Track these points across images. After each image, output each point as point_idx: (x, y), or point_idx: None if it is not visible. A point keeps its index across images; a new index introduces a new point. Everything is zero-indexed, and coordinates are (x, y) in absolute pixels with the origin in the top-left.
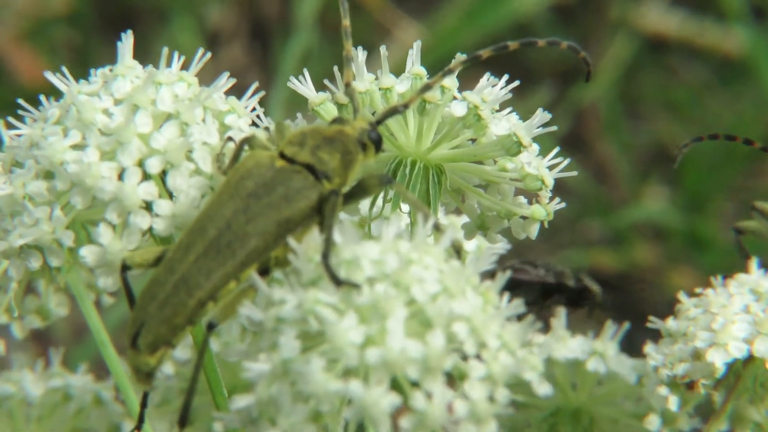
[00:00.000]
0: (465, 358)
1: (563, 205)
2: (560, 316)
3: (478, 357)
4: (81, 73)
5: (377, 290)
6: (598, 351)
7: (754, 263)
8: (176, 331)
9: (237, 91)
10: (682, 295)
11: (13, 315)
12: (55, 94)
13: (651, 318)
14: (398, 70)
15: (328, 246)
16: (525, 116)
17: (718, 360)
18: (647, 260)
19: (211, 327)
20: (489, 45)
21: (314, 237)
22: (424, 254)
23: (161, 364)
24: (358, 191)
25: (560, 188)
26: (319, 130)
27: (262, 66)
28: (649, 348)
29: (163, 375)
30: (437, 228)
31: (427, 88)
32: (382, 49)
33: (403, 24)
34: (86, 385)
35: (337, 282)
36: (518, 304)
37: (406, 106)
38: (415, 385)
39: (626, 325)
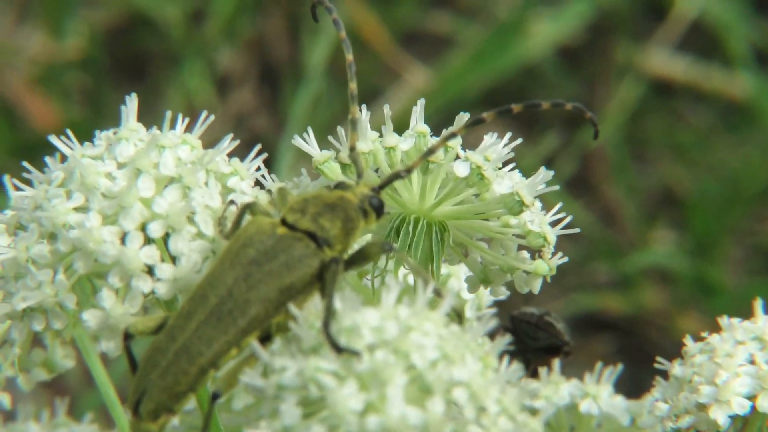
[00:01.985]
0: (465, 422)
1: (566, 259)
2: (555, 364)
3: (477, 422)
4: (93, 117)
5: (377, 357)
6: (590, 393)
7: (758, 307)
8: (178, 398)
9: (247, 135)
10: (688, 340)
11: (18, 369)
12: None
13: (659, 359)
14: (406, 115)
15: (329, 314)
16: (532, 160)
17: (720, 417)
18: (655, 304)
19: (215, 397)
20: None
21: (315, 303)
22: (423, 320)
23: (163, 431)
24: (359, 258)
25: (567, 232)
26: (320, 197)
27: (271, 109)
28: (656, 393)
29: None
30: (437, 293)
31: (430, 152)
32: (386, 109)
33: (411, 67)
34: None
35: (338, 350)
36: (517, 368)
37: (409, 170)
38: None
39: (620, 367)
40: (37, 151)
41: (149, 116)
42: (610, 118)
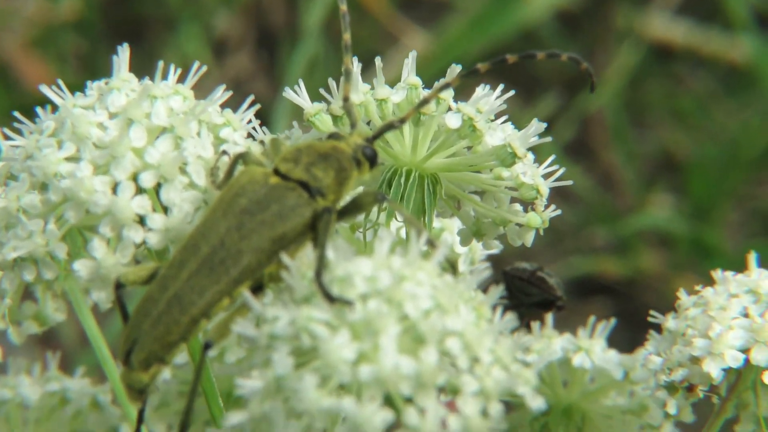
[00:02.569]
0: (458, 373)
1: (559, 212)
2: (547, 318)
3: (471, 372)
4: (88, 79)
5: (370, 307)
6: (583, 347)
7: (752, 260)
8: (169, 348)
9: (242, 99)
10: (682, 293)
11: (9, 321)
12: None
13: (652, 313)
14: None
15: (321, 263)
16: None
17: (714, 370)
18: (652, 267)
19: (207, 347)
20: (495, 53)
21: (307, 253)
22: (417, 270)
23: (154, 381)
24: (352, 208)
25: (565, 196)
26: (313, 147)
27: (268, 74)
28: (649, 346)
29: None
30: (431, 244)
31: (423, 102)
32: (377, 60)
33: (410, 32)
34: (83, 388)
35: (330, 299)
36: (511, 319)
37: (402, 120)
38: (408, 401)
39: (613, 321)
40: (30, 112)
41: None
42: (610, 82)
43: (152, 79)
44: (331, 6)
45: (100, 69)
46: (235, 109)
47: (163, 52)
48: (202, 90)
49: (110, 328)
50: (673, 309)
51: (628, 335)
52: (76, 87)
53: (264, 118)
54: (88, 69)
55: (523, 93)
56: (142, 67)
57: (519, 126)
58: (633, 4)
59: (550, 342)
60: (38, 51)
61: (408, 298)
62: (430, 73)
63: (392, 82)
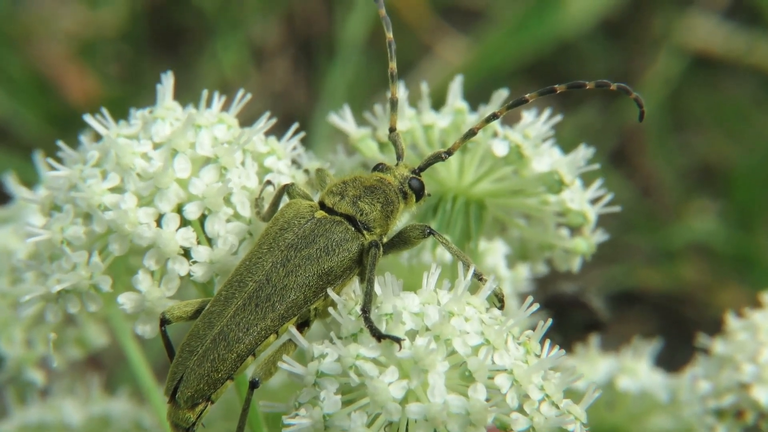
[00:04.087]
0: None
1: (606, 237)
2: (591, 340)
3: (520, 409)
4: (130, 91)
5: (418, 344)
6: (628, 369)
7: None
8: (216, 385)
9: (282, 110)
10: (729, 317)
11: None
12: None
13: (699, 336)
14: (441, 90)
15: (369, 299)
16: (571, 132)
17: (763, 397)
18: (695, 277)
19: (254, 385)
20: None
21: (354, 288)
22: (465, 305)
23: (201, 419)
24: (399, 242)
25: (608, 211)
26: (360, 179)
27: (308, 83)
28: (697, 370)
29: None
30: (478, 278)
31: (471, 134)
32: (423, 86)
33: (445, 41)
34: (126, 411)
35: (378, 336)
36: (559, 354)
37: (449, 153)
38: None
39: (659, 341)
40: (73, 123)
41: (186, 91)
42: (651, 90)
43: (195, 99)
44: (371, 17)
45: (142, 78)
46: (277, 122)
47: (203, 62)
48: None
49: (153, 349)
50: (717, 322)
51: (671, 348)
52: (118, 98)
53: (304, 127)
54: (130, 78)
55: (561, 97)
56: (182, 78)
57: (560, 135)
58: (673, 9)
59: (594, 364)
60: (81, 61)
61: (456, 335)
62: (467, 82)
63: (431, 94)
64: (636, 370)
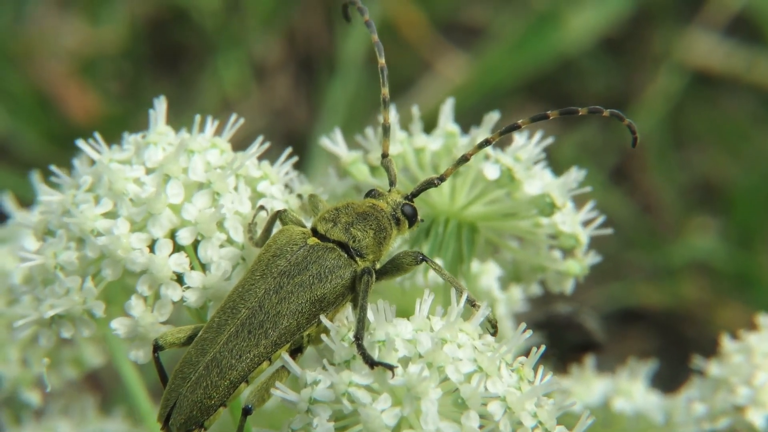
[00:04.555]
0: None
1: (599, 259)
2: (587, 361)
3: None
4: (130, 109)
5: (411, 371)
6: (623, 390)
7: None
8: (208, 412)
9: (282, 127)
10: (725, 338)
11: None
12: (105, 129)
13: (695, 358)
14: (440, 109)
15: (362, 326)
16: (571, 148)
17: (757, 419)
18: (695, 295)
19: (247, 412)
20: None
21: (347, 315)
22: (457, 332)
23: None
24: (392, 269)
25: (605, 221)
26: (352, 206)
27: (308, 100)
28: (692, 392)
29: None
30: (472, 304)
31: (464, 160)
32: (414, 110)
33: (445, 58)
34: None
35: (371, 364)
36: (553, 381)
37: (441, 179)
38: None
39: (653, 363)
40: (74, 141)
41: (186, 108)
42: (650, 108)
43: (192, 115)
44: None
45: (143, 95)
46: (278, 140)
47: (203, 77)
48: (243, 122)
49: (149, 370)
50: (717, 341)
51: (670, 366)
52: (118, 116)
53: (303, 145)
54: (130, 96)
55: (563, 117)
56: (183, 96)
57: (559, 150)
58: (673, 26)
59: (589, 385)
60: (81, 79)
61: (449, 362)
62: (467, 99)
63: (430, 112)
64: (631, 391)
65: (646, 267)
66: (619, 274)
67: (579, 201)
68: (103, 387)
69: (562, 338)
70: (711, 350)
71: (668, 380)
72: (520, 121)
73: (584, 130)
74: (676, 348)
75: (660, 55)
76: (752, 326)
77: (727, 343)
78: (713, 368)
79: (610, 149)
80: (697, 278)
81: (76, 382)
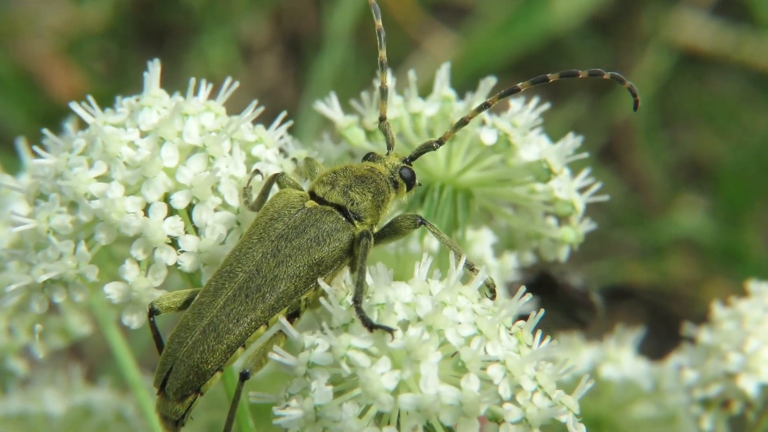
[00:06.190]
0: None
1: (594, 226)
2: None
3: (513, 400)
4: (116, 88)
5: (411, 334)
6: (612, 357)
7: None
8: (205, 377)
9: (271, 105)
10: (716, 306)
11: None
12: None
13: (686, 325)
14: (428, 86)
15: (360, 290)
16: (560, 126)
17: (750, 387)
18: (682, 272)
19: (244, 377)
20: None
21: (345, 278)
22: (457, 296)
23: (190, 412)
24: (390, 232)
25: (596, 200)
26: (350, 169)
27: (296, 80)
28: (683, 359)
29: None
30: (470, 268)
31: (462, 123)
32: (411, 74)
33: (434, 37)
34: (108, 401)
35: (370, 327)
36: (553, 345)
37: (440, 142)
38: (449, 429)
39: (641, 329)
40: (59, 120)
41: (172, 87)
42: (639, 87)
43: (181, 91)
44: (360, 10)
45: (128, 75)
46: (265, 118)
47: (189, 57)
48: (230, 102)
49: (137, 339)
50: (704, 317)
51: (658, 342)
52: (104, 95)
53: (292, 121)
54: (116, 75)
55: (550, 92)
56: (169, 76)
57: (548, 129)
58: (661, 6)
59: (578, 352)
60: (66, 58)
61: (449, 325)
62: (456, 80)
63: (418, 91)
64: (619, 358)
65: (634, 245)
66: (607, 252)
67: (572, 171)
68: (87, 358)
69: (556, 297)
70: (700, 323)
71: (655, 356)
72: (519, 84)
73: (572, 108)
74: (664, 325)
75: (648, 35)
76: (742, 294)
77: (718, 309)
78: (704, 335)
79: (598, 128)
80: (685, 256)
81: (61, 353)
